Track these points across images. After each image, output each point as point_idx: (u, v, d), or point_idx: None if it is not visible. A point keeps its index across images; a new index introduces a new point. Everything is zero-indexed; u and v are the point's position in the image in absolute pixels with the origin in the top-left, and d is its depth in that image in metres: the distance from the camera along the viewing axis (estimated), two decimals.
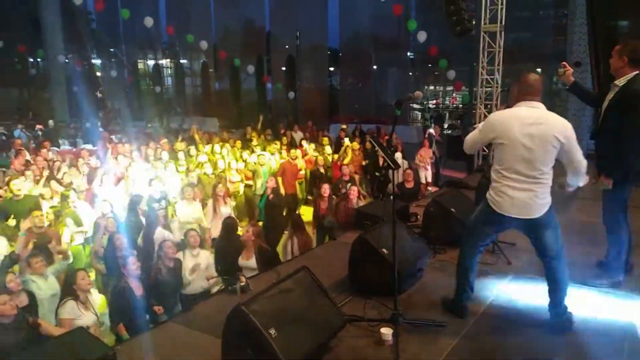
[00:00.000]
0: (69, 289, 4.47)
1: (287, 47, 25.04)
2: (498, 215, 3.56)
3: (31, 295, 4.74)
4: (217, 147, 11.11)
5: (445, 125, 22.09)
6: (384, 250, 4.23)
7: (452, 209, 5.49)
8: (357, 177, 9.35)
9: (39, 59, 22.35)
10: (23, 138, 14.36)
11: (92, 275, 6.22)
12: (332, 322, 3.60)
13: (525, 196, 3.44)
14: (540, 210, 3.48)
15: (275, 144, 11.59)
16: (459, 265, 3.93)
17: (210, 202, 7.73)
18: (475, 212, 3.84)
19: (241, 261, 5.76)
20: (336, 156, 10.70)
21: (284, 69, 25.42)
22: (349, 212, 7.01)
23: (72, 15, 20.94)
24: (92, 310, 4.57)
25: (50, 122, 17.71)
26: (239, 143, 11.98)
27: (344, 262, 4.77)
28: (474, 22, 12.02)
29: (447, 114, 27.99)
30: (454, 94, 29.92)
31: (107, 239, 6.14)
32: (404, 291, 4.42)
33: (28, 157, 10.48)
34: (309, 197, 10.04)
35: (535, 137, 3.37)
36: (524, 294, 4.43)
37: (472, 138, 3.77)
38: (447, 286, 4.30)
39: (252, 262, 5.73)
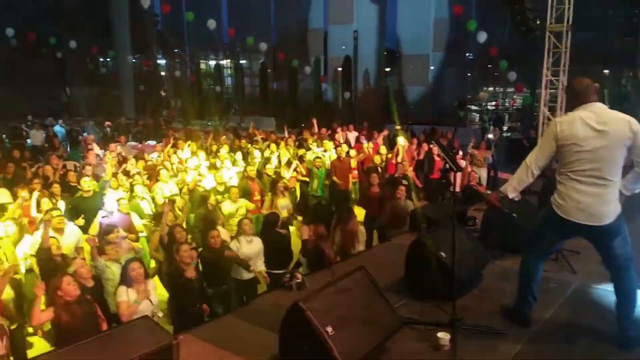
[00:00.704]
0: (124, 277, 4.66)
1: (343, 47, 25.08)
2: (563, 221, 3.43)
3: (97, 279, 5.06)
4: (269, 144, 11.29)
5: (505, 128, 21.47)
6: (443, 254, 4.18)
7: (514, 214, 5.34)
8: (410, 175, 9.22)
9: (108, 59, 23.56)
10: (94, 134, 15.13)
11: (153, 264, 6.49)
12: (388, 324, 3.61)
13: (591, 200, 3.31)
14: (608, 216, 3.33)
15: (330, 142, 11.64)
16: (521, 272, 3.82)
17: (269, 196, 7.90)
18: (539, 218, 3.73)
19: (300, 257, 5.86)
20: (390, 155, 10.64)
21: (340, 69, 25.47)
22: (403, 212, 6.96)
23: (140, 18, 21.94)
24: (147, 299, 4.71)
25: (122, 118, 18.59)
26: (290, 141, 12.13)
27: (399, 264, 4.75)
28: (538, 22, 11.61)
29: (507, 116, 27.14)
30: (514, 96, 28.96)
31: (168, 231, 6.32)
32: (462, 296, 4.35)
33: (98, 152, 11.04)
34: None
35: (601, 136, 3.24)
36: (589, 305, 4.26)
37: (534, 156, 3.57)
38: (507, 293, 4.19)
39: (303, 260, 5.82)
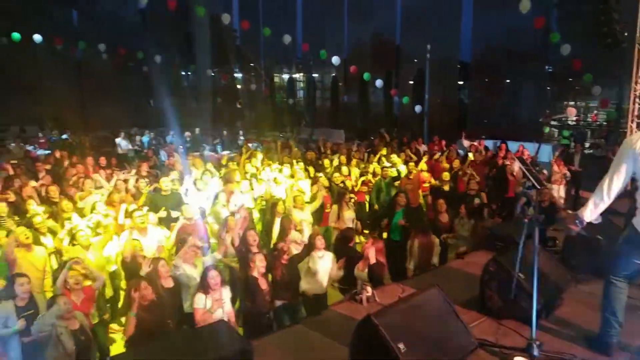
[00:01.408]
0: (203, 284, 4.81)
1: (415, 60, 24.90)
2: None
3: (176, 281, 5.30)
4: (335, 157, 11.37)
5: (587, 144, 20.29)
6: (521, 275, 4.03)
7: (599, 236, 5.05)
8: (483, 193, 8.92)
9: (189, 73, 24.83)
10: (174, 143, 15.92)
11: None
12: (462, 344, 3.53)
13: None
14: None
15: (400, 156, 11.55)
16: (605, 297, 3.62)
17: (335, 207, 7.95)
18: (621, 239, 3.52)
19: (357, 272, 5.81)
20: (460, 172, 10.37)
21: (411, 82, 25.30)
22: (476, 230, 6.76)
23: (220, 34, 22.98)
24: (220, 306, 4.86)
25: (200, 129, 19.51)
26: (357, 154, 12.13)
27: (473, 283, 4.63)
28: (625, 34, 10.96)
29: (589, 132, 25.67)
30: (594, 111, 27.35)
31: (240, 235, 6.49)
32: (542, 320, 4.17)
33: (177, 159, 11.55)
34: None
35: None
36: None
37: (609, 178, 3.39)
38: (590, 319, 3.97)
39: (365, 273, 5.78)
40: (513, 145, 13.12)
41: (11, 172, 9.77)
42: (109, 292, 5.98)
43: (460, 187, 9.58)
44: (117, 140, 16.18)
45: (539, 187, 3.45)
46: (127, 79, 23.69)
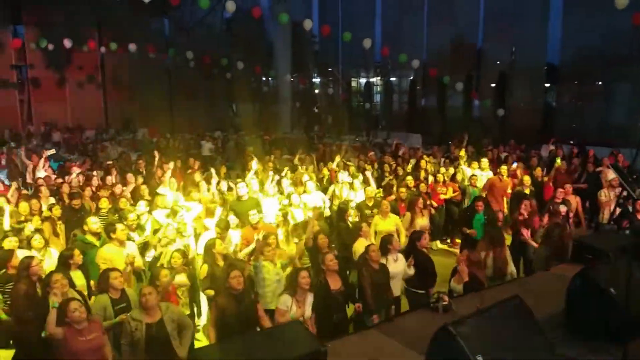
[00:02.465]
0: (291, 285, 4.89)
1: (498, 63, 23.98)
2: None
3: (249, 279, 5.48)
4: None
5: None
6: (612, 290, 3.77)
7: None
8: (574, 201, 8.39)
9: (270, 78, 25.55)
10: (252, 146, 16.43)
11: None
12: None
13: None
14: None
15: (482, 161, 11.18)
16: None
17: (407, 214, 7.83)
18: None
19: (452, 284, 5.69)
20: (546, 178, 9.86)
21: (493, 85, 24.39)
22: (564, 240, 6.39)
23: (300, 40, 23.48)
24: (303, 308, 4.92)
25: (278, 133, 20.02)
26: (430, 159, 11.86)
27: (558, 296, 4.40)
28: None
29: None
30: None
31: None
32: (635, 340, 3.87)
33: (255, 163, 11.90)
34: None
35: None
36: None
37: None
38: None
39: (459, 286, 5.63)
40: (603, 151, 12.27)
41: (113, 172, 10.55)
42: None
43: (547, 193, 9.14)
44: (202, 142, 17.00)
45: (636, 197, 3.22)
46: (211, 84, 24.86)
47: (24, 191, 9.14)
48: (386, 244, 5.77)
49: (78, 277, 5.41)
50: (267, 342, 3.65)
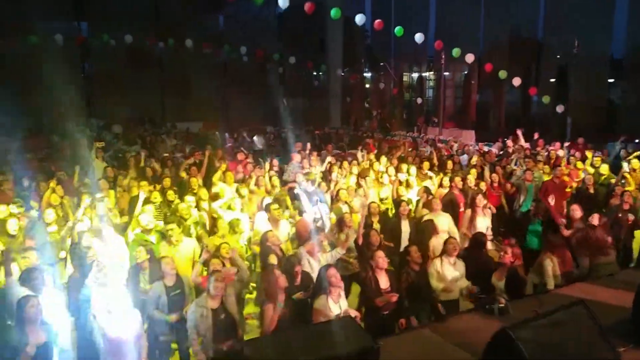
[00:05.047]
0: (322, 284, 4.84)
1: (558, 57, 23.02)
2: None
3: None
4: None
5: None
6: None
7: None
8: None
9: (320, 73, 25.62)
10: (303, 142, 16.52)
11: None
12: None
13: None
14: None
15: (540, 159, 10.76)
16: None
17: (468, 212, 7.61)
18: None
19: (493, 280, 5.53)
20: (613, 180, 9.35)
21: (552, 80, 23.44)
22: (627, 245, 6.06)
23: (351, 34, 23.38)
24: (339, 305, 4.91)
25: (327, 128, 20.09)
26: (476, 160, 11.50)
27: (624, 302, 4.16)
28: None
29: None
30: None
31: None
32: None
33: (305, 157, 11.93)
34: None
35: None
36: None
37: None
38: None
39: (501, 283, 5.46)
40: None
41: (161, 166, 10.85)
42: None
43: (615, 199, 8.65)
44: (255, 138, 17.26)
45: None
46: (263, 79, 25.19)
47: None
48: (444, 246, 5.68)
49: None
50: (319, 337, 3.64)
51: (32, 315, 3.98)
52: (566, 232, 6.62)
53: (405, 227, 7.18)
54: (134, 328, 4.46)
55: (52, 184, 8.11)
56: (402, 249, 6.79)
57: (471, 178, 8.82)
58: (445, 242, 5.80)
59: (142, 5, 21.24)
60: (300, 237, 6.38)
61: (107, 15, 20.99)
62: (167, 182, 8.67)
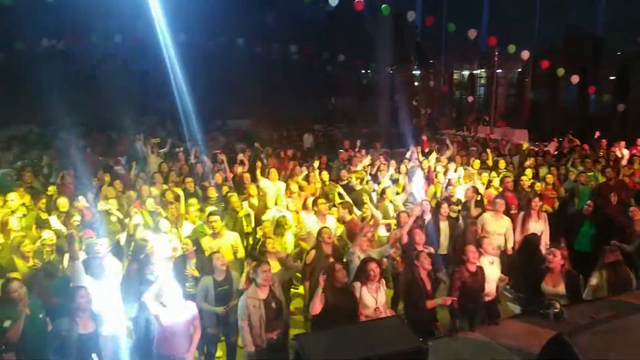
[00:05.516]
0: (360, 273, 4.92)
1: (619, 53, 21.97)
2: None
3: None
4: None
5: None
6: None
7: None
8: None
9: (369, 71, 25.49)
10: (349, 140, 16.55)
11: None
12: None
13: None
14: None
15: (599, 161, 10.31)
16: None
17: (521, 215, 7.41)
18: None
19: (546, 287, 5.34)
20: None
21: (612, 78, 22.40)
22: None
23: (401, 31, 23.11)
24: (375, 298, 4.90)
25: (375, 126, 20.02)
26: (539, 157, 11.12)
27: None
28: None
29: None
30: None
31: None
32: None
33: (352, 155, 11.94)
34: None
35: None
36: None
37: None
38: None
39: (561, 289, 5.26)
40: None
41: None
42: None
43: None
44: (305, 135, 17.42)
45: None
46: (312, 77, 25.36)
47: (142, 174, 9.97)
48: (478, 246, 5.58)
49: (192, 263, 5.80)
50: (367, 335, 3.65)
51: (82, 305, 4.17)
52: (628, 248, 6.36)
53: (445, 228, 7.08)
54: (187, 318, 4.60)
55: (107, 177, 8.55)
56: (441, 251, 6.74)
57: (525, 179, 8.58)
58: (479, 241, 5.72)
59: (195, 4, 21.78)
60: (350, 234, 6.40)
61: (163, 15, 21.62)
62: (218, 177, 8.91)
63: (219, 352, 5.58)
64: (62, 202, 6.98)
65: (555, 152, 12.97)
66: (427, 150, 11.95)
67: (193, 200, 7.45)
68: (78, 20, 19.86)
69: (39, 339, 4.26)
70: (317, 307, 4.61)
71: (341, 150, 12.18)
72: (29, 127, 18.77)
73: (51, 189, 8.24)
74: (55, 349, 4.05)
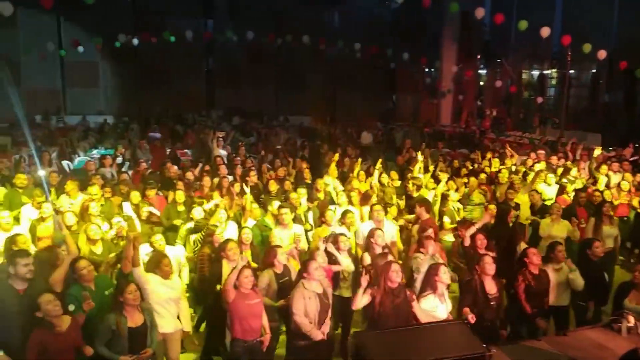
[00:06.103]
0: (430, 281, 4.77)
1: None
2: None
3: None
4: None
5: None
6: None
7: None
8: None
9: (432, 69, 25.02)
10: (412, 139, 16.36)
11: None
12: None
13: None
14: None
15: None
16: None
17: (591, 220, 7.07)
18: None
19: (629, 304, 5.03)
20: None
21: None
22: None
23: (468, 29, 22.53)
24: (445, 304, 4.79)
25: (437, 126, 19.67)
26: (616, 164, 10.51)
27: None
28: None
29: None
30: None
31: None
32: None
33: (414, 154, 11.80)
34: None
35: None
36: None
37: None
38: None
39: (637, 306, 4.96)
40: None
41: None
42: None
43: None
44: (363, 133, 17.39)
45: None
46: (375, 75, 25.28)
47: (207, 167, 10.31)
48: (548, 252, 5.36)
49: (248, 255, 5.92)
50: (429, 338, 3.64)
51: (131, 301, 4.29)
52: None
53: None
54: (257, 301, 4.71)
55: (174, 169, 8.94)
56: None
57: (599, 185, 8.18)
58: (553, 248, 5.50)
59: (263, 3, 22.24)
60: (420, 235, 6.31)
61: (231, 13, 22.29)
62: (281, 172, 9.07)
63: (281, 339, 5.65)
64: (135, 194, 7.33)
65: (632, 159, 12.25)
66: (510, 155, 11.48)
67: (302, 191, 7.71)
68: (151, 16, 20.84)
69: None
70: (358, 302, 4.62)
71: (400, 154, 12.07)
72: (104, 118, 19.83)
73: (123, 178, 8.71)
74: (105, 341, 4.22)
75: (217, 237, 5.97)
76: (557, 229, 6.81)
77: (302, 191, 7.78)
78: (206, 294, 5.50)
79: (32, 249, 5.51)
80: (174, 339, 4.97)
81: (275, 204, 6.90)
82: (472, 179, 8.71)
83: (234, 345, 4.66)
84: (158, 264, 4.87)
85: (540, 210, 7.66)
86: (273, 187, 8.20)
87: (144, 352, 4.30)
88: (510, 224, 6.90)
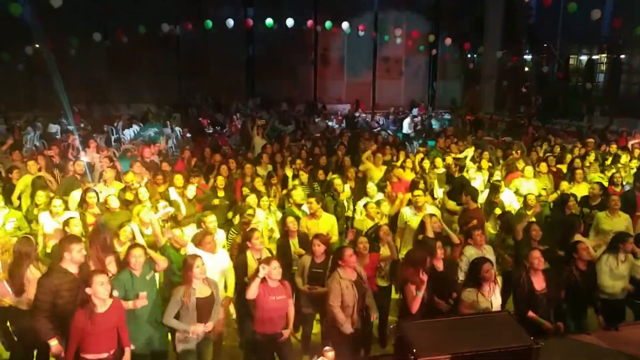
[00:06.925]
0: (474, 276, 4.68)
1: None
2: None
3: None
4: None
5: None
6: None
7: None
8: None
9: (475, 55, 24.36)
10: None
11: None
12: None
13: None
14: None
15: None
16: None
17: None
18: None
19: None
20: None
21: None
22: None
23: (514, 12, 21.81)
24: (489, 300, 4.68)
25: (480, 113, 19.23)
26: None
27: None
28: None
29: None
30: None
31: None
32: None
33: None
34: None
35: None
36: None
37: None
38: None
39: None
40: None
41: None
42: None
43: None
44: (405, 121, 17.19)
45: None
46: (415, 61, 24.91)
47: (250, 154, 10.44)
48: (617, 242, 5.16)
49: (294, 244, 5.93)
50: (475, 329, 3.57)
51: (197, 274, 4.42)
52: None
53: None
54: (283, 296, 4.70)
55: (217, 157, 9.08)
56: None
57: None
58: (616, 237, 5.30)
59: None
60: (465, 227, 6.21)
61: (271, 0, 22.27)
62: (323, 160, 9.13)
63: (315, 329, 5.68)
64: (178, 178, 7.50)
65: None
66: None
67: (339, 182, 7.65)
68: (192, 6, 21.06)
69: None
70: (414, 306, 4.61)
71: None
72: (147, 107, 20.28)
73: (165, 165, 8.93)
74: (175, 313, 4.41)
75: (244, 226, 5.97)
76: (615, 222, 6.54)
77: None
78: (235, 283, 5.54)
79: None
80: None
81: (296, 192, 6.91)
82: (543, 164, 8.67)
83: (254, 333, 4.73)
84: (202, 240, 5.11)
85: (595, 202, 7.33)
86: (304, 176, 8.29)
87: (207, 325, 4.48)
88: (568, 214, 6.72)
